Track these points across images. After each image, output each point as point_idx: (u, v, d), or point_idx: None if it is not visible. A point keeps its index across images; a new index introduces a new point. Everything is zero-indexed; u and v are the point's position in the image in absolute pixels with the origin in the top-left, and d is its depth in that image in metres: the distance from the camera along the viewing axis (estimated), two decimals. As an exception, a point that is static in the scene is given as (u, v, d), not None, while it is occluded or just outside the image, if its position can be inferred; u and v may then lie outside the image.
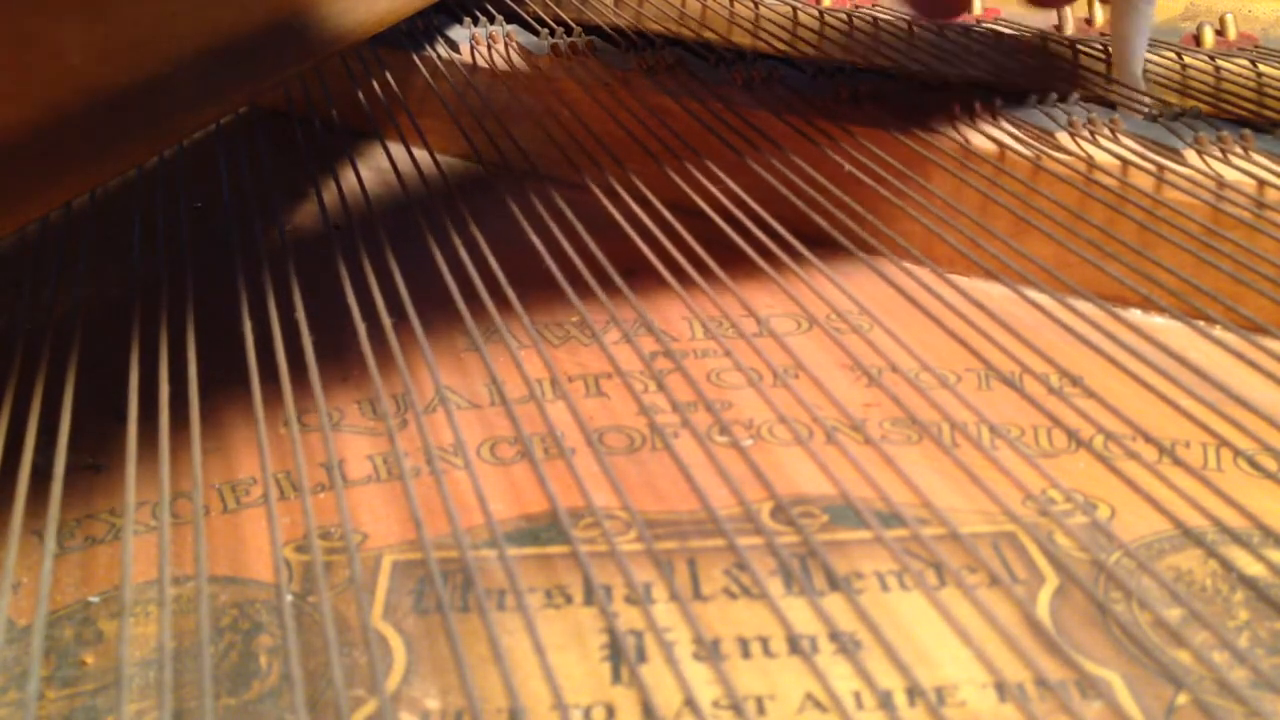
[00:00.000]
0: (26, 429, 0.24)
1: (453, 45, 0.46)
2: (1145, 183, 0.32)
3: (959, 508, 0.24)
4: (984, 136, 0.35)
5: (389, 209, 0.38)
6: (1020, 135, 0.35)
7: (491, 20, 0.47)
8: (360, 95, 0.39)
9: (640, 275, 0.29)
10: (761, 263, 0.29)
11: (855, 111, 0.38)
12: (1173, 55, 0.42)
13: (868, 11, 0.48)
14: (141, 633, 0.21)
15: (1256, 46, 0.44)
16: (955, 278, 0.28)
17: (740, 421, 0.28)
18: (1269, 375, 0.24)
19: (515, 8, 0.48)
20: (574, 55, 0.44)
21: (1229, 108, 0.38)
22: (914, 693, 0.20)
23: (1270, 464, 0.24)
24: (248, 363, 0.26)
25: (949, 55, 0.42)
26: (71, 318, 0.28)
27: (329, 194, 0.34)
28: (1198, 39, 0.44)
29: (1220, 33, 0.45)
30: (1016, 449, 0.23)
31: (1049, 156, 0.33)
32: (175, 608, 0.19)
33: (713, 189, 0.32)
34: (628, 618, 0.22)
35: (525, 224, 0.31)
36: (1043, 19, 0.47)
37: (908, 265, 0.29)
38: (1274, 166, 0.32)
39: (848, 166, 0.33)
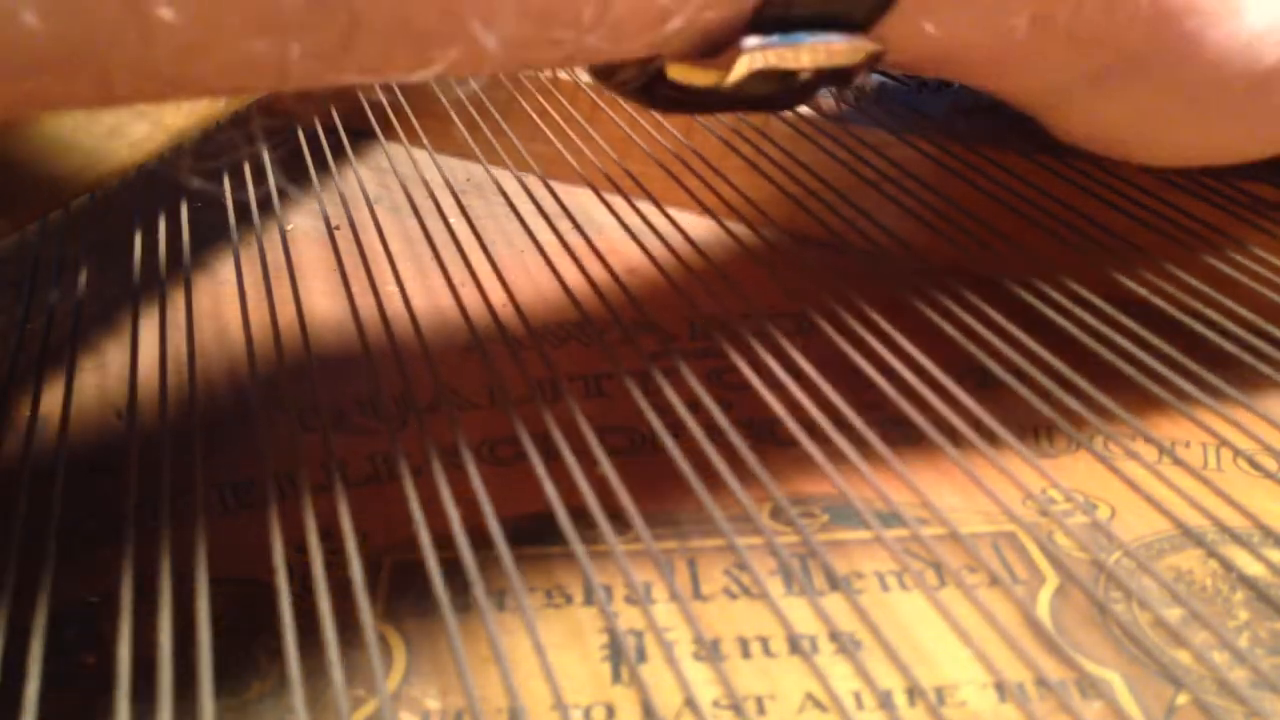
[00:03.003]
0: (31, 429, 0.24)
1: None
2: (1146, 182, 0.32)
3: (959, 508, 0.24)
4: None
5: (389, 208, 0.38)
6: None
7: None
8: (360, 95, 0.39)
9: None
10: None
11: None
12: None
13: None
14: (141, 633, 0.21)
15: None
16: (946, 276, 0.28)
17: (740, 421, 0.28)
18: (1269, 375, 0.24)
19: None
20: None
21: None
22: (914, 693, 0.20)
23: (1270, 464, 0.24)
24: (248, 363, 0.26)
25: None
26: (71, 318, 0.28)
27: (329, 194, 0.34)
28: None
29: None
30: (1016, 449, 0.23)
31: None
32: (175, 608, 0.19)
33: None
34: (628, 618, 0.22)
35: (523, 224, 0.31)
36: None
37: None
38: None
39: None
